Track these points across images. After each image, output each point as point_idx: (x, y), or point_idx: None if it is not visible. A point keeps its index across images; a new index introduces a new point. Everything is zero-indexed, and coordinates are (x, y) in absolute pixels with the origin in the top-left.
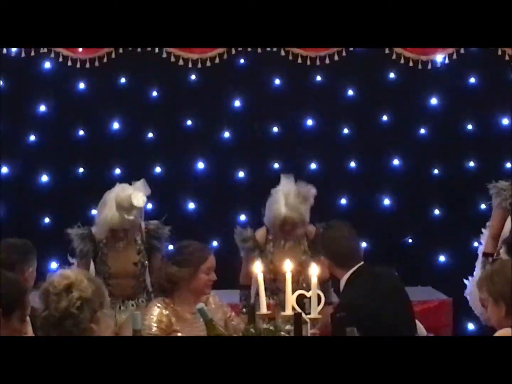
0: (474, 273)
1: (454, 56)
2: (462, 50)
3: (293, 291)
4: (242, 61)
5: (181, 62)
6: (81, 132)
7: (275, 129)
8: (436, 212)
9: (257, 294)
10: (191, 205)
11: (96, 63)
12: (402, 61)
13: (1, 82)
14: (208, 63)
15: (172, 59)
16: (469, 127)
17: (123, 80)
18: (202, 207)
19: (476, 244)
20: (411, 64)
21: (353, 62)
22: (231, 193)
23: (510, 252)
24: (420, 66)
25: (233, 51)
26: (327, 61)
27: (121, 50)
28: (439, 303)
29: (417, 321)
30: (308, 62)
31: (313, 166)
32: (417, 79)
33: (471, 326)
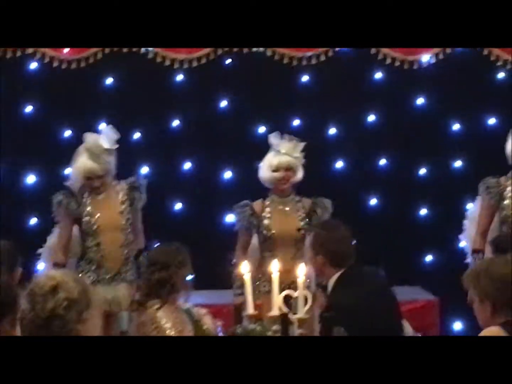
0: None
1: (441, 56)
2: (448, 50)
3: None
4: (228, 61)
5: (167, 63)
6: (68, 133)
7: (262, 129)
8: (423, 211)
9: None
10: (179, 205)
11: (82, 64)
12: (388, 61)
13: None
14: (195, 63)
15: (159, 59)
16: (456, 126)
17: (109, 80)
18: (189, 207)
19: (463, 243)
20: (397, 64)
21: (339, 62)
22: (218, 194)
23: (496, 253)
24: (406, 66)
25: (220, 51)
26: (313, 61)
27: (107, 51)
28: (426, 302)
29: (404, 321)
30: (295, 63)
31: None
32: (403, 79)
33: (458, 325)
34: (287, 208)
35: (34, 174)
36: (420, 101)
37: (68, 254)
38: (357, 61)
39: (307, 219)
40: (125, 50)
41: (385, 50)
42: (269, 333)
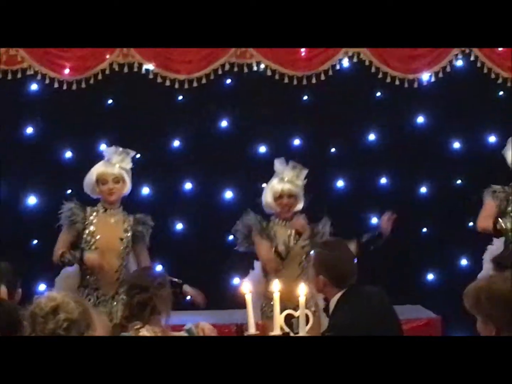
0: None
1: (440, 74)
2: (448, 69)
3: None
4: (228, 81)
5: (167, 83)
6: (69, 154)
7: (263, 149)
8: (424, 230)
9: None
10: (179, 226)
11: (83, 85)
12: (388, 79)
13: None
14: (195, 83)
15: (159, 79)
16: (456, 145)
17: (110, 101)
18: (190, 228)
19: (464, 262)
20: (397, 82)
21: (339, 81)
22: (219, 214)
23: (497, 270)
24: (406, 85)
25: (220, 71)
26: (313, 80)
27: (108, 71)
28: (428, 321)
29: None
30: (295, 82)
31: None
32: (403, 98)
33: None
34: (289, 231)
35: (35, 195)
36: (420, 119)
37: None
38: (357, 80)
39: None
40: (125, 70)
41: (384, 69)
42: None
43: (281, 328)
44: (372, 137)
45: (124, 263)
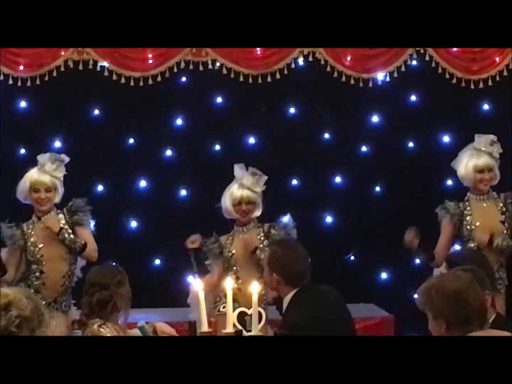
0: None
1: (395, 74)
2: (403, 68)
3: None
4: (184, 79)
5: (123, 80)
6: (23, 151)
7: (217, 147)
8: (378, 229)
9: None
10: (134, 224)
11: (38, 81)
12: (343, 79)
13: None
14: (150, 81)
15: (114, 77)
16: (410, 144)
17: (65, 98)
18: (144, 226)
19: (418, 261)
20: (352, 82)
21: (295, 80)
22: (173, 212)
23: (450, 268)
24: (361, 84)
25: (175, 69)
26: (269, 79)
27: (62, 68)
28: (381, 320)
29: None
30: (250, 80)
31: None
32: (358, 97)
33: None
34: (246, 235)
35: None
36: (375, 118)
37: (17, 272)
38: (313, 78)
39: (265, 241)
40: (80, 68)
41: (340, 68)
42: None
43: (234, 326)
44: (326, 136)
45: (73, 268)
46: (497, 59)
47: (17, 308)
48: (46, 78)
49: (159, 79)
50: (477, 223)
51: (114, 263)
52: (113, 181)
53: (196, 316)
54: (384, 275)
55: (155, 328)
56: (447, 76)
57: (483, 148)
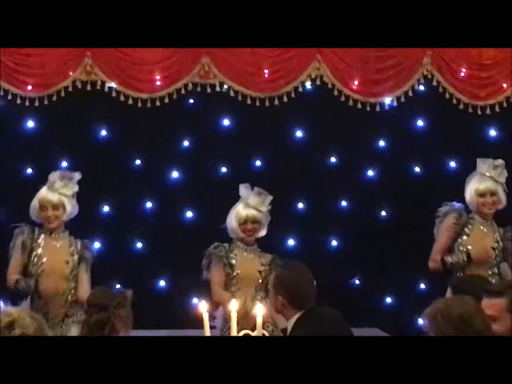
0: None
1: (402, 99)
2: (410, 93)
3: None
4: (191, 101)
5: (130, 101)
6: (29, 171)
7: (224, 169)
8: (384, 254)
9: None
10: (139, 245)
11: (45, 101)
12: (350, 103)
13: None
14: (158, 103)
15: (122, 98)
16: (417, 169)
17: (72, 118)
18: (149, 247)
19: (422, 286)
20: (359, 106)
21: (302, 103)
22: (179, 233)
23: (455, 294)
24: (368, 109)
25: (183, 91)
26: (276, 102)
27: (70, 88)
28: None
29: None
30: (258, 103)
31: None
32: (365, 121)
33: None
34: (251, 255)
35: None
36: (381, 143)
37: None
38: (319, 102)
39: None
40: (88, 88)
41: (346, 92)
42: None
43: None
44: (333, 159)
45: (73, 285)
46: (505, 85)
47: (20, 327)
48: (54, 98)
49: (166, 100)
50: (471, 245)
51: (118, 286)
52: (119, 202)
53: None
54: (388, 300)
55: None
56: (454, 101)
57: (486, 173)
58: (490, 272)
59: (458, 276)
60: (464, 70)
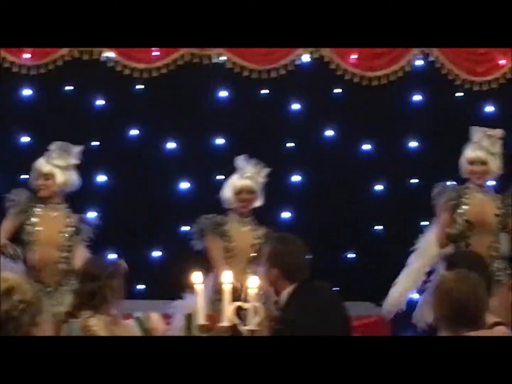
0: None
1: (399, 74)
2: (407, 68)
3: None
4: (189, 72)
5: (127, 72)
6: (27, 139)
7: (221, 141)
8: (378, 227)
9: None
10: (136, 213)
11: (42, 70)
12: (347, 76)
13: None
14: (155, 73)
15: (118, 68)
16: (414, 144)
17: (68, 87)
18: (145, 216)
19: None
20: (356, 80)
21: (299, 77)
22: (174, 203)
23: (449, 269)
24: (365, 83)
25: (180, 62)
26: (273, 74)
27: (68, 57)
28: (378, 318)
29: None
30: (254, 76)
31: None
32: (362, 95)
33: None
34: (246, 228)
35: None
36: (377, 117)
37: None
38: (317, 76)
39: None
40: (85, 58)
41: (343, 65)
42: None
43: (230, 320)
44: (329, 133)
45: (67, 255)
46: (502, 61)
47: (19, 293)
48: (51, 67)
49: (163, 71)
50: (471, 211)
51: (116, 255)
52: (116, 171)
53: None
54: (382, 274)
55: (151, 319)
56: (452, 77)
57: (476, 141)
58: (493, 239)
59: (454, 252)
60: None
